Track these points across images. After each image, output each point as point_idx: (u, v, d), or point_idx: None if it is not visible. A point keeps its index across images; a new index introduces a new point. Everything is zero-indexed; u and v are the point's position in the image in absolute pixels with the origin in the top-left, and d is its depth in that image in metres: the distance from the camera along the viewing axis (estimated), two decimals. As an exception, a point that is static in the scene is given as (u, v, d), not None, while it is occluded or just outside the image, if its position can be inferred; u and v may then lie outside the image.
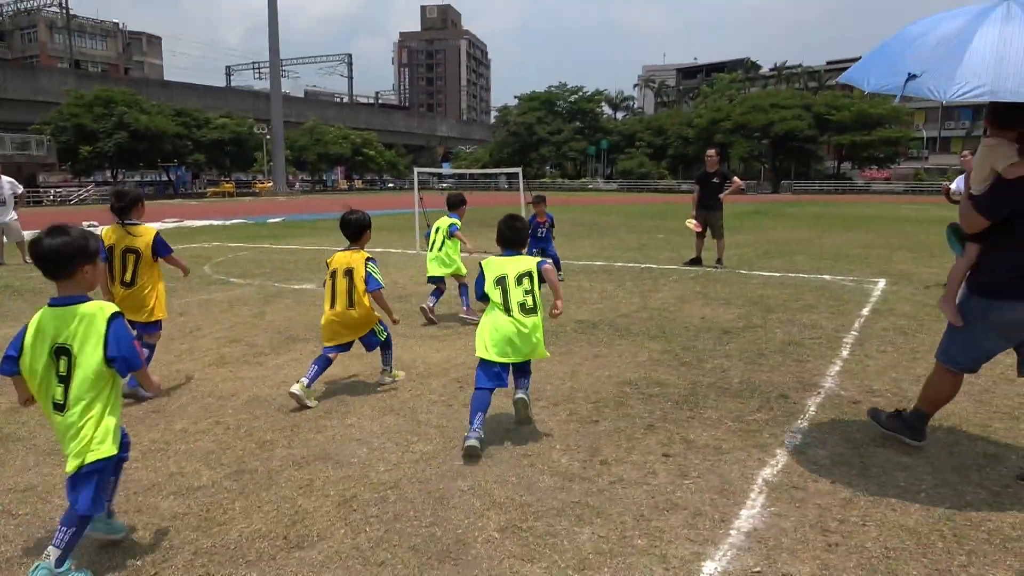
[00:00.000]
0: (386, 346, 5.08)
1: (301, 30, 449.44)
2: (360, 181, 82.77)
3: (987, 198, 3.38)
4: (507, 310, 4.09)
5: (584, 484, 3.43)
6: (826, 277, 9.99)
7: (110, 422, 2.76)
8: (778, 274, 10.37)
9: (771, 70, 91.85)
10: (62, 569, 2.58)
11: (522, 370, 4.21)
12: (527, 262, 4.23)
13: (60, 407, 2.70)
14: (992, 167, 3.36)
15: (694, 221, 11.24)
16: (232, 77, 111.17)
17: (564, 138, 78.23)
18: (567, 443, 3.94)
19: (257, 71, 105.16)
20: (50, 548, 2.60)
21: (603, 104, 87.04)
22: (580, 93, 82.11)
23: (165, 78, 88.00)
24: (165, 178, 63.18)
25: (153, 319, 5.08)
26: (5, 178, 12.11)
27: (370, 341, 4.96)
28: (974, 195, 3.45)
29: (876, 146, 62.43)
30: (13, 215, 12.16)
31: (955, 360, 3.65)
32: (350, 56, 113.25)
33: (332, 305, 4.73)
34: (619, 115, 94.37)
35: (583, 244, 15.15)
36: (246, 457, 3.78)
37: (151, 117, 53.39)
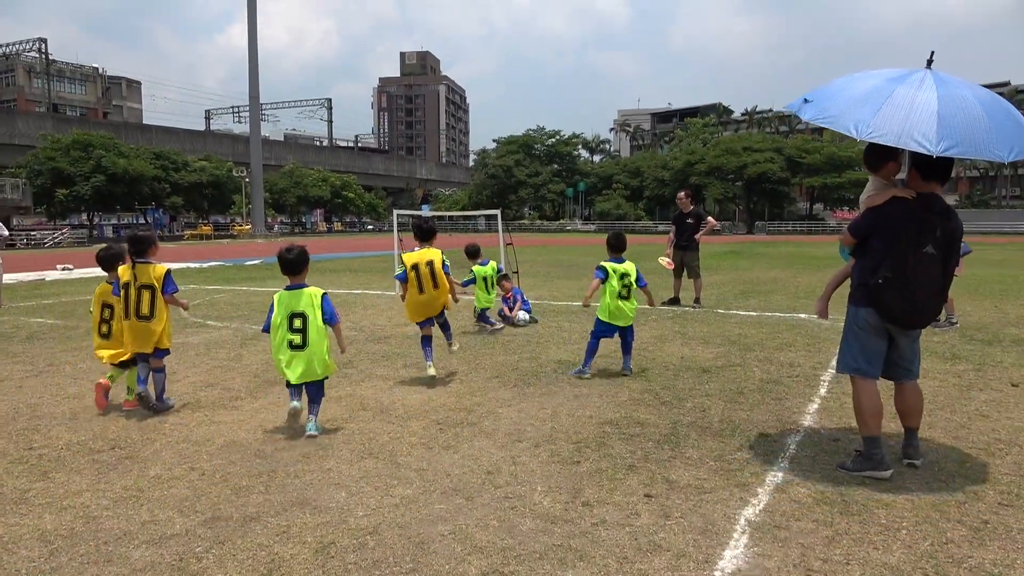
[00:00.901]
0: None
1: (282, 75, 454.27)
2: (339, 223, 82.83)
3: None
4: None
5: (566, 526, 3.39)
6: (802, 316, 10.11)
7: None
8: (755, 313, 10.48)
9: (743, 114, 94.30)
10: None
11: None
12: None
13: (299, 347, 4.80)
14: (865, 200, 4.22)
15: (667, 259, 11.43)
16: (212, 121, 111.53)
17: (542, 180, 79.23)
18: (549, 484, 3.91)
19: (237, 115, 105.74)
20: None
21: (580, 147, 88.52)
22: (557, 136, 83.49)
23: (144, 122, 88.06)
24: (142, 221, 62.71)
25: (162, 347, 5.52)
26: None
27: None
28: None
29: (847, 188, 63.93)
30: None
31: (857, 368, 4.13)
32: (330, 100, 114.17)
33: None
34: (596, 158, 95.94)
35: (562, 284, 15.23)
36: (221, 504, 3.70)
37: (129, 160, 53.30)
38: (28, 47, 79.95)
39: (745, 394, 5.81)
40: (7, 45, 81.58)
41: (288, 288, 4.96)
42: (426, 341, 6.41)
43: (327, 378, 5.04)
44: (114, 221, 67.27)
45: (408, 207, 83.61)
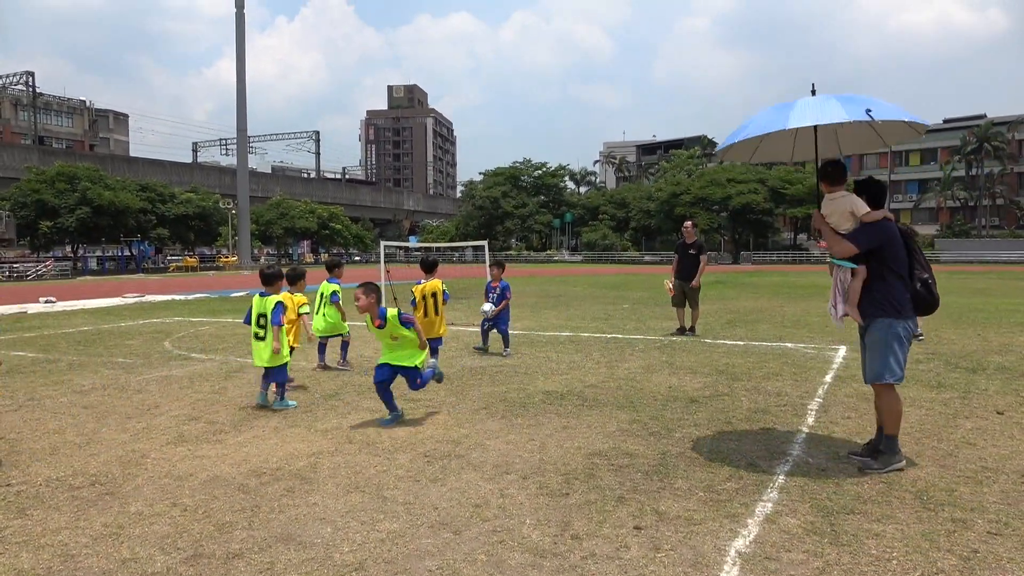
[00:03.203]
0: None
1: (270, 107, 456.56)
2: (326, 255, 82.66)
3: (862, 234, 4.55)
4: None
5: (555, 560, 3.35)
6: (788, 345, 10.15)
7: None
8: (742, 343, 10.51)
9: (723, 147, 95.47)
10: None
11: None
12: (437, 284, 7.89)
13: (261, 339, 6.59)
14: (851, 213, 4.57)
15: (670, 284, 11.55)
16: (199, 153, 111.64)
17: (529, 211, 79.74)
18: (537, 517, 3.87)
19: (224, 147, 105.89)
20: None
21: (566, 179, 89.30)
22: (544, 168, 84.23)
23: (131, 154, 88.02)
24: (127, 253, 62.36)
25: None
26: None
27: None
28: (844, 233, 4.63)
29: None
30: None
31: (901, 376, 4.59)
32: (318, 133, 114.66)
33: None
34: (582, 189, 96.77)
35: (549, 315, 15.23)
36: (203, 540, 3.62)
37: (115, 192, 53.09)
38: (15, 80, 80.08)
39: (733, 424, 5.81)
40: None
41: (261, 293, 6.71)
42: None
43: (286, 364, 6.64)
44: (99, 253, 66.81)
45: (395, 238, 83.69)
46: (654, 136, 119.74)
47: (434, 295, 7.94)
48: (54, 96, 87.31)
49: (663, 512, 3.92)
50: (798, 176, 66.25)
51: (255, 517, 3.93)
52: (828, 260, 4.93)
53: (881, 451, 4.61)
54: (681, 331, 11.36)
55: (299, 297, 7.34)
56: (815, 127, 4.85)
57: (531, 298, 20.33)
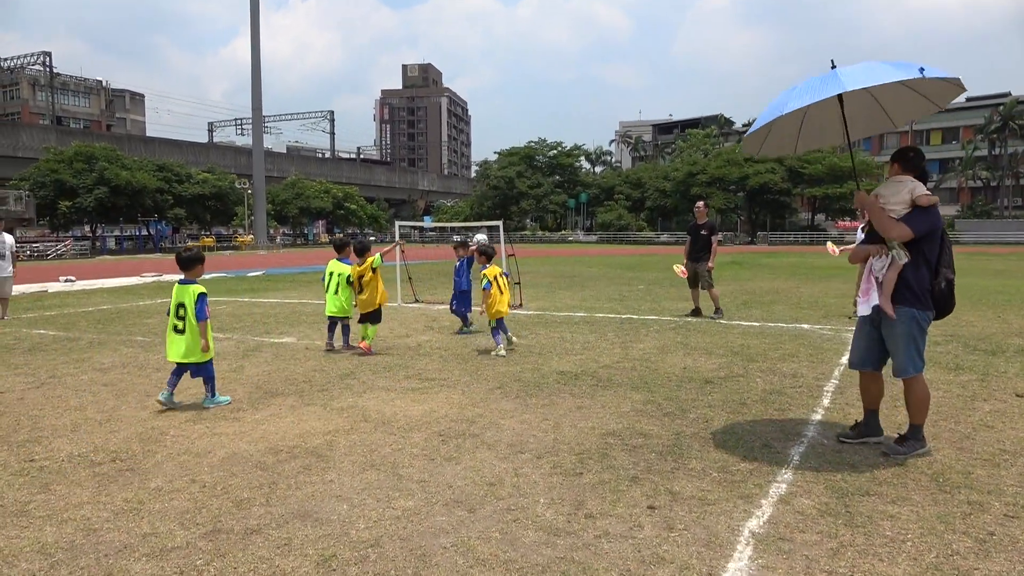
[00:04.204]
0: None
1: (285, 87, 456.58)
2: (341, 234, 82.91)
3: (916, 218, 4.41)
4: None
5: (569, 539, 3.37)
6: (804, 326, 10.09)
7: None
8: (757, 324, 10.46)
9: (744, 125, 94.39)
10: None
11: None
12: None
13: (180, 332, 5.83)
14: (909, 195, 4.44)
15: (681, 267, 11.48)
16: (215, 133, 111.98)
17: (544, 191, 79.34)
18: (551, 496, 3.89)
19: (240, 127, 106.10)
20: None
21: (582, 159, 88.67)
22: (559, 148, 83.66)
23: (148, 134, 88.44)
24: (145, 232, 62.89)
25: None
26: (7, 235, 12.37)
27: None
28: (899, 217, 4.48)
29: (848, 198, 63.92)
30: (11, 270, 12.24)
31: (922, 366, 4.55)
32: (332, 113, 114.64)
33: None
34: (597, 169, 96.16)
35: (564, 295, 15.22)
36: (222, 516, 3.68)
37: (132, 172, 53.45)
38: (33, 60, 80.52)
39: (748, 405, 5.79)
40: (12, 59, 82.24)
41: (180, 282, 6.00)
42: (496, 331, 8.36)
43: (208, 363, 5.95)
44: (117, 233, 67.43)
45: (410, 218, 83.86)
46: (670, 115, 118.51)
47: (504, 276, 8.74)
48: (71, 76, 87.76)
49: (677, 492, 3.93)
50: (816, 155, 65.38)
51: (272, 494, 3.98)
52: (837, 249, 4.85)
53: (907, 437, 4.56)
54: (696, 312, 11.29)
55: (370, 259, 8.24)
56: (842, 104, 4.62)
57: (545, 278, 20.31)
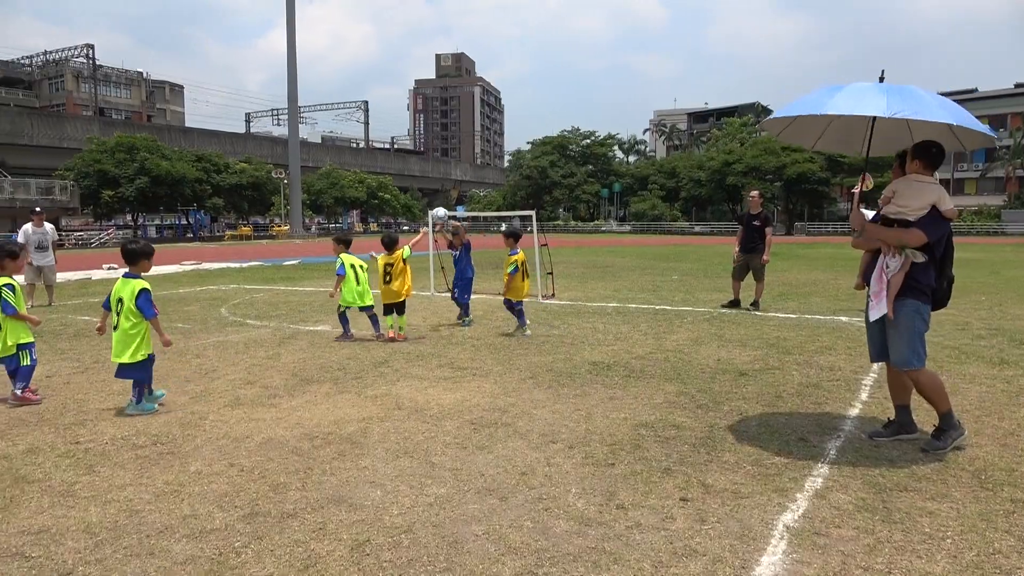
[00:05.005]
0: (21, 375, 5.72)
1: (320, 78, 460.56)
2: (375, 224, 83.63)
3: (928, 223, 4.31)
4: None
5: (601, 529, 3.37)
6: (842, 319, 9.91)
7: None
8: (794, 316, 10.30)
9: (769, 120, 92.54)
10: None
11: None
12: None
13: (116, 328, 5.43)
14: (932, 202, 4.32)
15: (736, 251, 11.31)
16: (252, 123, 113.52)
17: (577, 181, 78.98)
18: (583, 486, 3.89)
19: (276, 118, 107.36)
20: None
21: (615, 148, 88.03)
22: (592, 137, 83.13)
23: (187, 125, 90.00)
24: (184, 221, 64.15)
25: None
26: (48, 224, 12.72)
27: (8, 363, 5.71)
28: (911, 220, 4.36)
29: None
30: (52, 259, 12.62)
31: (925, 358, 4.48)
32: (366, 103, 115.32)
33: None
34: (631, 158, 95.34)
35: (596, 286, 15.16)
36: (259, 500, 3.76)
37: (172, 163, 54.53)
38: (76, 53, 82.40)
39: (784, 398, 5.72)
40: (57, 51, 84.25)
41: (125, 276, 5.63)
42: (522, 313, 8.87)
43: (140, 363, 5.51)
44: (157, 222, 68.88)
45: (444, 208, 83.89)
46: (706, 103, 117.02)
47: (526, 263, 9.03)
48: (113, 68, 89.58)
49: (710, 485, 3.90)
50: (857, 144, 63.95)
51: (308, 479, 4.05)
52: (855, 238, 4.75)
53: (941, 428, 4.46)
54: (733, 304, 11.15)
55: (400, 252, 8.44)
56: (874, 119, 4.52)
57: (578, 269, 20.25)
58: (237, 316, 10.90)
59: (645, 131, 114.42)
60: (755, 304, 10.95)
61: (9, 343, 5.75)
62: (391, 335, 8.44)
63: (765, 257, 10.96)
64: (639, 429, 4.90)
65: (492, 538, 3.29)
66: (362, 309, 8.72)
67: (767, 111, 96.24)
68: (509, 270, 8.85)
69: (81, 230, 54.35)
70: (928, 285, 4.38)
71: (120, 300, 5.49)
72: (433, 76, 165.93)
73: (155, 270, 21.63)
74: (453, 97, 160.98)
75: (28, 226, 12.54)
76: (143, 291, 5.47)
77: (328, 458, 4.39)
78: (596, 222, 78.58)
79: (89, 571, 3.01)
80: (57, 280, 13.35)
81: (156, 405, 5.58)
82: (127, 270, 5.67)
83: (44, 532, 3.39)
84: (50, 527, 3.45)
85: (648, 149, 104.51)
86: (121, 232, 55.51)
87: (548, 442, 4.64)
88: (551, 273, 13.37)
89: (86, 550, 3.20)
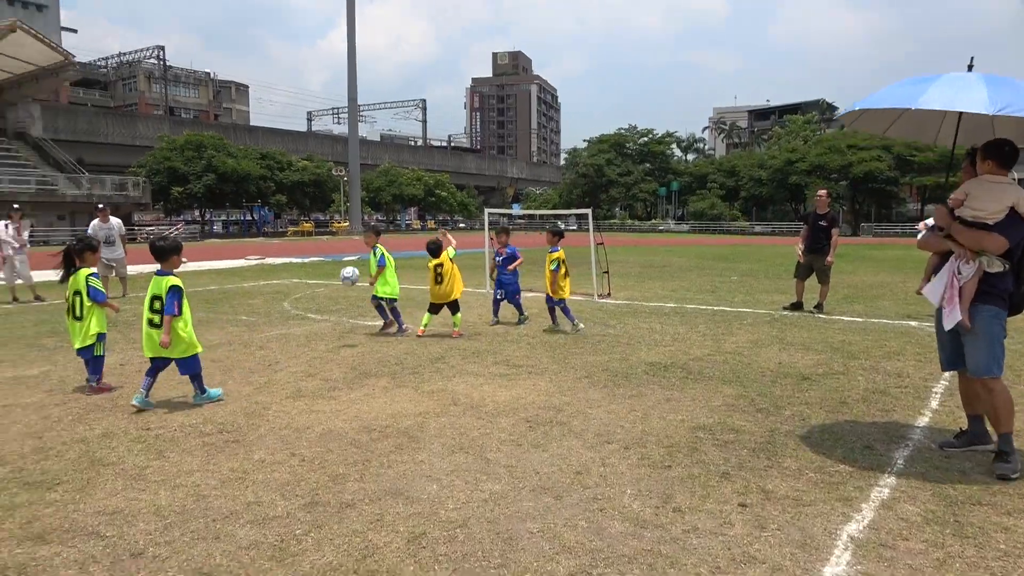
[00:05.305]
0: (95, 367, 5.95)
1: (379, 77, 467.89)
2: (432, 221, 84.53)
3: (1008, 227, 4.08)
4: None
5: (657, 531, 3.34)
6: (912, 323, 9.55)
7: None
8: (860, 319, 9.98)
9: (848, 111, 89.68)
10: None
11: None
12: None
13: (156, 326, 5.44)
14: (1011, 204, 4.07)
15: (799, 250, 10.95)
16: (313, 122, 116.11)
17: (634, 180, 78.15)
18: (639, 488, 3.85)
19: (336, 116, 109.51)
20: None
21: (673, 146, 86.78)
22: (650, 135, 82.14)
23: (252, 124, 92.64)
24: (249, 217, 66.08)
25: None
26: (114, 219, 13.23)
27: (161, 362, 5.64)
28: (990, 224, 4.12)
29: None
30: (122, 252, 13.16)
31: (1002, 367, 4.23)
32: (424, 101, 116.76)
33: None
34: (690, 157, 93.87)
35: (653, 286, 14.99)
36: (319, 489, 3.85)
37: (237, 160, 56.26)
38: (148, 55, 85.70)
39: (848, 404, 5.55)
40: (130, 53, 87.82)
41: (157, 273, 5.62)
42: (567, 308, 8.95)
43: (191, 358, 5.56)
44: (223, 217, 71.13)
45: (499, 206, 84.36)
46: (767, 101, 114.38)
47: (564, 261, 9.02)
48: (182, 69, 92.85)
49: (770, 491, 3.81)
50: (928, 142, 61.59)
51: (366, 470, 4.12)
52: (921, 238, 4.53)
53: (1004, 452, 4.14)
54: (795, 306, 10.86)
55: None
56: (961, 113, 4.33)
57: (634, 268, 20.06)
58: (299, 310, 11.17)
59: (704, 129, 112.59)
60: (819, 307, 10.65)
61: (91, 332, 6.01)
62: (421, 332, 8.57)
63: (830, 258, 10.64)
64: (696, 432, 4.83)
65: (547, 536, 3.29)
66: (390, 301, 8.90)
67: (832, 108, 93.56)
68: (552, 267, 8.86)
69: (152, 225, 56.51)
70: (1005, 290, 4.16)
71: (158, 297, 5.49)
72: (490, 74, 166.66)
73: (222, 264, 22.42)
74: (510, 95, 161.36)
75: (95, 222, 13.07)
76: (173, 287, 5.47)
77: (385, 451, 4.46)
78: (653, 221, 77.66)
79: (159, 552, 3.13)
80: (131, 272, 13.92)
81: (220, 391, 5.76)
82: (159, 267, 5.69)
83: (118, 513, 3.54)
84: (123, 508, 3.60)
85: (707, 147, 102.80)
86: (189, 227, 57.51)
87: (603, 442, 4.61)
88: (607, 272, 13.28)
89: (156, 532, 3.33)
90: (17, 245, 12.55)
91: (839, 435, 4.76)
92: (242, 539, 3.26)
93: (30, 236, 13.95)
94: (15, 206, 13.45)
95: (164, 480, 3.98)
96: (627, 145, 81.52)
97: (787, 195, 68.78)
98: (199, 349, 5.65)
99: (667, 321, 9.81)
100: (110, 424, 5.04)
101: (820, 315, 10.32)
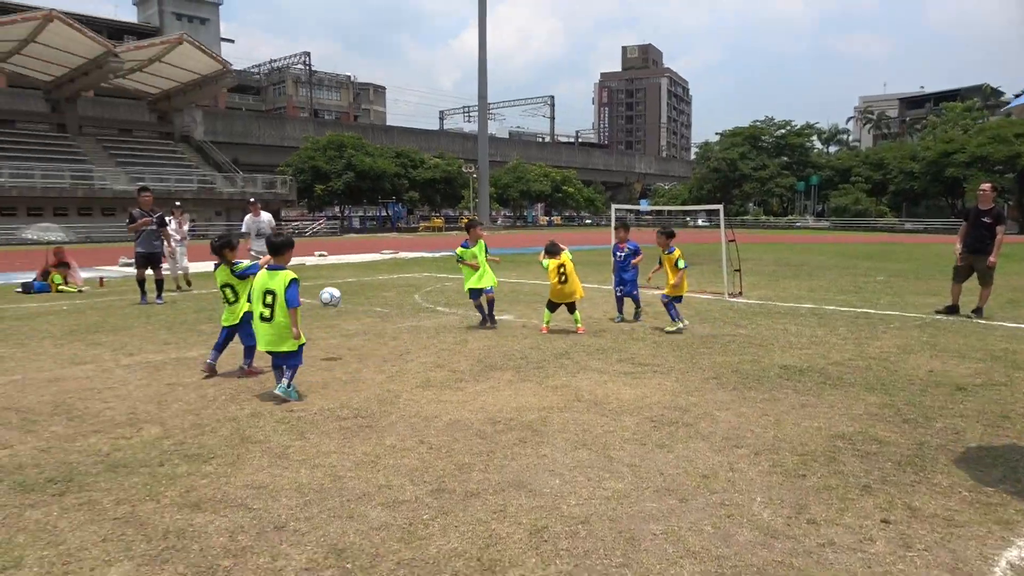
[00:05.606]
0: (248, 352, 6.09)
1: (509, 74, 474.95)
2: (559, 217, 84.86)
3: None
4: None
5: (788, 543, 3.18)
6: (1091, 332, 8.53)
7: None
8: (1026, 326, 9.03)
9: (1016, 95, 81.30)
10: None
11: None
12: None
13: (267, 320, 5.55)
14: None
15: (957, 248, 10.12)
16: (445, 121, 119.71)
17: (769, 174, 74.63)
18: (769, 496, 3.69)
19: (467, 115, 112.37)
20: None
21: (813, 138, 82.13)
22: (788, 127, 78.15)
23: (387, 123, 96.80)
24: (384, 213, 69.14)
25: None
26: (265, 214, 14.25)
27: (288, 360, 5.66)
28: None
29: None
30: None
31: None
32: (552, 98, 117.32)
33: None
34: (831, 149, 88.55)
35: (788, 285, 14.28)
36: (446, 477, 3.96)
37: (374, 159, 59.04)
38: (295, 60, 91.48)
39: (1011, 419, 5.04)
40: (280, 60, 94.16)
41: (269, 268, 5.73)
42: (671, 306, 8.71)
43: (298, 351, 5.64)
44: (360, 213, 74.84)
45: (626, 202, 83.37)
46: (921, 87, 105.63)
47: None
48: (325, 73, 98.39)
49: (917, 508, 3.54)
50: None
51: (490, 461, 4.20)
52: None
53: None
54: (950, 310, 9.97)
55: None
56: None
57: (768, 266, 19.20)
58: (429, 303, 11.56)
59: (848, 119, 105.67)
60: (977, 311, 9.73)
61: (240, 311, 6.48)
62: (544, 329, 8.62)
63: (993, 259, 9.68)
64: (835, 440, 4.56)
65: (670, 539, 3.22)
66: (486, 291, 9.00)
67: (998, 93, 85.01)
68: (682, 265, 8.72)
69: (297, 220, 60.46)
70: None
71: (271, 292, 5.54)
72: (619, 69, 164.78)
73: (360, 257, 23.59)
74: (639, 89, 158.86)
75: (248, 217, 14.12)
76: (294, 280, 5.57)
77: (510, 443, 4.52)
78: (790, 217, 73.95)
79: (299, 527, 3.35)
80: (190, 269, 14.86)
81: (298, 395, 5.62)
82: (271, 262, 5.81)
83: (263, 488, 3.82)
84: (268, 484, 3.87)
85: (851, 139, 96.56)
86: (330, 223, 60.93)
87: (732, 446, 4.46)
88: (739, 270, 12.79)
89: (297, 507, 3.56)
90: (179, 238, 14.05)
91: (999, 452, 4.34)
92: (373, 520, 3.42)
93: (190, 230, 15.40)
94: (176, 203, 15.08)
95: (305, 460, 4.25)
96: (763, 138, 77.97)
97: (942, 189, 63.28)
98: (303, 341, 5.70)
99: (803, 322, 9.32)
100: (258, 405, 5.44)
101: (979, 320, 9.44)
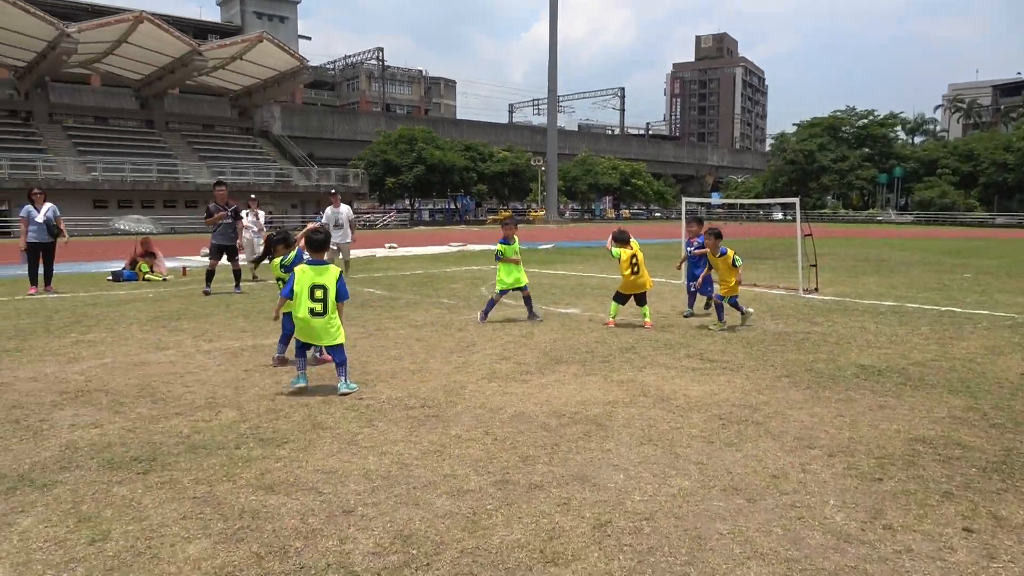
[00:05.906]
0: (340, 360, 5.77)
1: (578, 66, 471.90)
2: (627, 211, 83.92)
3: None
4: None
5: (863, 548, 3.07)
6: None
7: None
8: None
9: None
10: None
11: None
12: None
13: (320, 314, 5.51)
14: None
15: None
16: (514, 114, 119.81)
17: (849, 166, 71.77)
18: (843, 499, 3.56)
19: (536, 107, 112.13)
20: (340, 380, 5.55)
21: (897, 128, 78.51)
22: (870, 117, 74.93)
23: (457, 117, 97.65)
24: (452, 206, 69.89)
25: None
26: (344, 205, 14.70)
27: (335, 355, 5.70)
28: None
29: None
30: (349, 237, 14.59)
31: None
32: (623, 90, 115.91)
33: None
34: (916, 139, 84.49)
35: (868, 281, 13.73)
36: (510, 469, 3.99)
37: (444, 152, 59.70)
38: (368, 56, 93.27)
39: (1112, 426, 4.72)
40: (354, 55, 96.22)
41: (310, 263, 5.75)
42: (721, 307, 8.50)
43: (342, 345, 5.65)
44: (430, 206, 75.87)
45: (697, 195, 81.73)
46: (1018, 74, 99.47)
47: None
48: (397, 68, 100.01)
49: (1003, 517, 3.35)
50: None
51: (555, 454, 4.21)
52: None
53: None
54: None
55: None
56: None
57: (847, 261, 18.50)
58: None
59: (936, 108, 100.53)
60: None
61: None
62: (610, 323, 8.60)
63: None
64: (915, 444, 4.36)
65: (738, 539, 3.15)
66: (519, 289, 8.96)
67: (1105, 79, 79.19)
68: (739, 263, 8.46)
69: (368, 212, 61.74)
70: None
71: (321, 287, 5.54)
72: (692, 59, 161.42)
73: (429, 250, 23.93)
74: (712, 80, 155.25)
75: (329, 208, 14.56)
76: (342, 274, 5.74)
77: (574, 437, 4.51)
78: (871, 211, 70.98)
79: (367, 512, 3.43)
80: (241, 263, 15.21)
81: (357, 386, 5.68)
82: (309, 257, 5.91)
83: (333, 473, 3.93)
84: (337, 469, 3.98)
85: (938, 129, 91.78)
86: (400, 215, 61.98)
87: (804, 447, 4.32)
88: (815, 265, 12.37)
89: (365, 493, 3.65)
90: (255, 229, 14.64)
91: (1099, 462, 4.07)
92: (439, 508, 3.47)
93: (266, 222, 16.04)
94: (252, 196, 15.78)
95: (373, 447, 4.35)
96: (843, 128, 75.04)
97: (1038, 181, 59.60)
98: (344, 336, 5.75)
99: (883, 321, 8.95)
100: (329, 392, 5.59)
101: None
